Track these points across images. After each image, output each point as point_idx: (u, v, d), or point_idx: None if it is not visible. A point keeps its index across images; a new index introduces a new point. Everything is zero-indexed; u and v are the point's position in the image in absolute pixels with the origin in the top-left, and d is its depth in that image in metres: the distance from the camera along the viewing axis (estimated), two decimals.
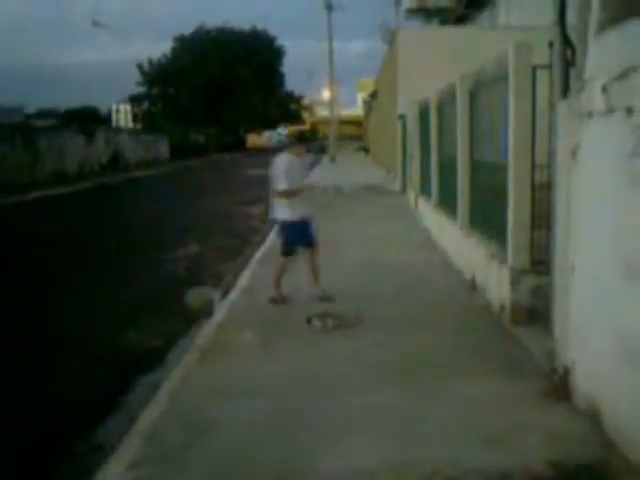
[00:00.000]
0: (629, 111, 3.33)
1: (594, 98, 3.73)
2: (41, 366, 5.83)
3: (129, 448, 3.89)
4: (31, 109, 51.46)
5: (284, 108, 67.53)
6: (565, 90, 4.37)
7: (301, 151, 6.88)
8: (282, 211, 6.76)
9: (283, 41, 78.46)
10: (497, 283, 6.14)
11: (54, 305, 7.99)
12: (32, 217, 18.19)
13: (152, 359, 6.01)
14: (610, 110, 3.55)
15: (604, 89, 3.60)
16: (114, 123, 56.66)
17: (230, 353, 5.39)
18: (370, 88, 43.25)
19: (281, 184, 6.63)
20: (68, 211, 19.36)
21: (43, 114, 51.54)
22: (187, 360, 5.37)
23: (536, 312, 5.48)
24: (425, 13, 30.99)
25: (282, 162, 6.75)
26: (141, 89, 61.99)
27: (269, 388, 4.62)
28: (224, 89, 60.21)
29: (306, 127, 69.11)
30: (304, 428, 3.98)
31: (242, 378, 4.84)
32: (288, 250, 6.89)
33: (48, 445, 4.42)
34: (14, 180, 25.78)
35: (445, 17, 29.53)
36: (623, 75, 3.38)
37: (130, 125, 57.93)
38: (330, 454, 3.66)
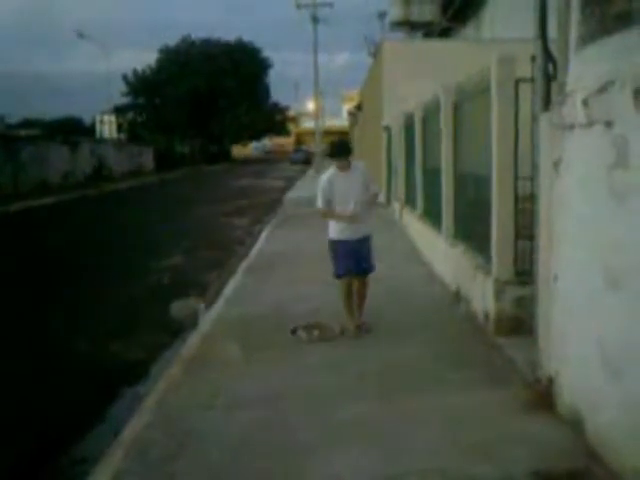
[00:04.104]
0: (609, 124, 3.39)
1: (575, 111, 3.80)
2: (24, 379, 5.77)
3: (112, 460, 3.86)
4: (14, 119, 51.08)
5: (269, 119, 67.57)
6: (547, 103, 4.44)
7: (344, 164, 5.97)
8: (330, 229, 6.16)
9: (268, 53, 78.70)
10: (481, 293, 6.18)
11: (37, 318, 7.92)
12: (14, 229, 18.02)
13: (136, 371, 5.98)
14: (591, 123, 3.61)
15: (585, 102, 3.66)
16: (98, 134, 56.34)
17: (214, 365, 5.36)
18: (355, 100, 43.47)
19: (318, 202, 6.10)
20: (50, 223, 19.21)
21: (27, 124, 51.14)
22: (171, 372, 5.34)
23: (520, 322, 5.52)
24: (409, 26, 31.29)
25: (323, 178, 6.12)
26: (126, 100, 61.80)
27: (253, 400, 4.60)
28: (209, 100, 60.14)
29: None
30: (288, 440, 3.97)
31: (226, 390, 4.82)
32: (335, 272, 6.19)
33: (31, 458, 4.37)
34: None
35: (429, 30, 29.83)
36: (603, 89, 3.44)
37: (114, 136, 57.66)
38: (315, 467, 3.65)
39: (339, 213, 5.99)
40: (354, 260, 6.03)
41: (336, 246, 6.08)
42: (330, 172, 6.06)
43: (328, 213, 6.07)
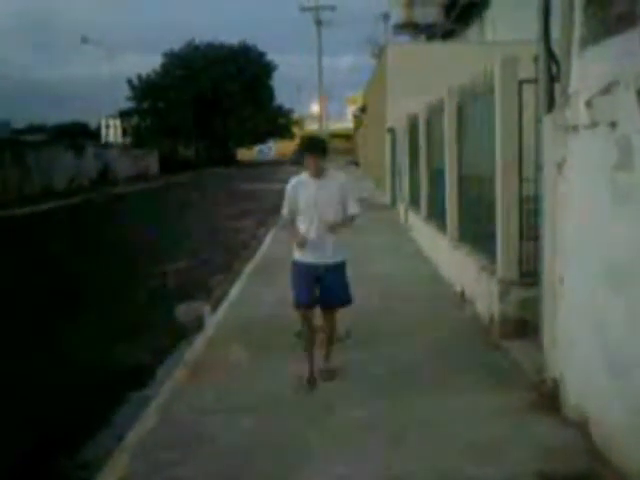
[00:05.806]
0: (612, 125, 3.38)
1: (579, 112, 3.79)
2: (29, 382, 5.77)
3: (117, 465, 3.86)
4: (20, 124, 51.30)
5: (274, 122, 67.61)
6: (550, 104, 4.43)
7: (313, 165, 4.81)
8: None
9: (272, 56, 77.96)
10: (486, 295, 6.16)
11: (43, 322, 7.93)
12: (19, 234, 18.07)
13: (141, 375, 5.98)
14: (594, 124, 3.60)
15: (588, 104, 3.65)
16: (103, 138, 56.51)
17: (219, 369, 5.36)
18: (359, 102, 43.51)
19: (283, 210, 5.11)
20: (55, 228, 19.25)
21: (32, 129, 51.34)
22: (176, 376, 5.34)
23: (525, 324, 5.50)
24: (413, 28, 31.29)
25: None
26: (130, 104, 61.97)
27: (258, 404, 4.59)
28: (213, 104, 60.24)
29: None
30: (292, 443, 3.97)
31: (231, 394, 4.81)
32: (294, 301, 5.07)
33: (36, 462, 4.37)
34: (1, 196, 25.56)
35: (432, 32, 29.83)
36: (606, 90, 3.43)
37: (119, 140, 57.82)
38: (318, 469, 3.64)
39: (291, 232, 4.99)
40: (312, 289, 4.88)
41: (295, 268, 5.00)
42: (300, 177, 4.96)
43: (287, 228, 5.14)
